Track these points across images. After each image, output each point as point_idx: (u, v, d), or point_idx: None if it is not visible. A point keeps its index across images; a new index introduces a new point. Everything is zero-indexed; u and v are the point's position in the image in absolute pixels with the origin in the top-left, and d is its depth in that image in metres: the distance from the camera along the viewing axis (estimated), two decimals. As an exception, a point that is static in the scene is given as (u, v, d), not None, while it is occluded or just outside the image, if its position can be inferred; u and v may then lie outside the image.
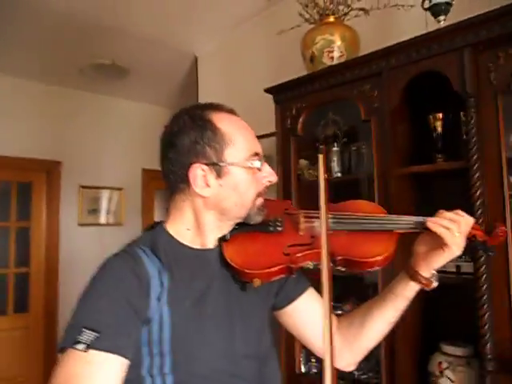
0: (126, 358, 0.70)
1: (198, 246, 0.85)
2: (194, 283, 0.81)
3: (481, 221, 1.32)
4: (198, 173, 0.81)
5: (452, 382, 1.47)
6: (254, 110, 2.09)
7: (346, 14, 1.99)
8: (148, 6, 2.63)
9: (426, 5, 1.59)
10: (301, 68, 2.05)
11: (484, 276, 1.33)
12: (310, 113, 1.95)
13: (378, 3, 1.92)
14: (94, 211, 4.05)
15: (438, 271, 0.85)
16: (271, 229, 0.86)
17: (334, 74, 1.81)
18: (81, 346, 0.66)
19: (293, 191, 1.96)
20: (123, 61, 3.34)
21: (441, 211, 0.82)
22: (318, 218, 0.78)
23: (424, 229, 0.81)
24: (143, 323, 0.74)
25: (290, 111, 1.98)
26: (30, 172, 3.75)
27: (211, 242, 0.85)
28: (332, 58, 1.91)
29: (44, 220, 3.79)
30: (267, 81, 2.14)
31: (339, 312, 1.75)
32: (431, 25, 1.57)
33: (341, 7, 1.98)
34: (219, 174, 0.81)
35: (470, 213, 0.82)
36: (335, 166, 1.93)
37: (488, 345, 1.32)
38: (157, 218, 4.43)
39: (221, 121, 0.83)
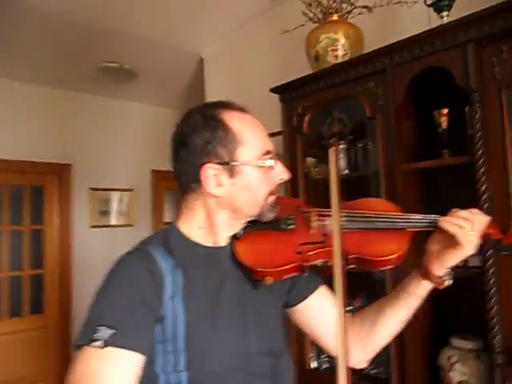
0: (142, 354, 0.71)
1: (210, 244, 0.85)
2: (208, 281, 0.81)
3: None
4: (210, 173, 0.80)
5: (463, 374, 1.47)
6: (259, 109, 2.05)
7: (349, 12, 2.00)
8: (153, 8, 2.66)
9: (429, 1, 1.60)
10: (305, 67, 2.06)
11: (492, 269, 1.34)
12: (316, 111, 1.96)
13: (381, 0, 1.92)
14: (105, 213, 4.10)
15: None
16: (283, 227, 0.86)
17: (338, 72, 1.82)
18: (97, 343, 0.67)
19: (300, 190, 1.97)
20: (130, 64, 3.38)
21: (454, 210, 0.80)
22: (330, 216, 0.78)
23: (437, 227, 0.80)
24: (157, 321, 0.75)
25: (295, 110, 1.99)
26: (42, 175, 3.79)
27: (223, 240, 0.86)
28: (336, 56, 1.91)
29: (56, 222, 3.85)
30: (272, 80, 2.15)
31: (349, 308, 1.76)
32: (434, 21, 1.57)
33: (344, 5, 1.98)
34: (231, 174, 0.81)
35: (476, 207, 0.81)
36: (342, 163, 1.94)
37: (497, 338, 1.32)
38: (167, 218, 4.48)
39: (232, 120, 0.82)
